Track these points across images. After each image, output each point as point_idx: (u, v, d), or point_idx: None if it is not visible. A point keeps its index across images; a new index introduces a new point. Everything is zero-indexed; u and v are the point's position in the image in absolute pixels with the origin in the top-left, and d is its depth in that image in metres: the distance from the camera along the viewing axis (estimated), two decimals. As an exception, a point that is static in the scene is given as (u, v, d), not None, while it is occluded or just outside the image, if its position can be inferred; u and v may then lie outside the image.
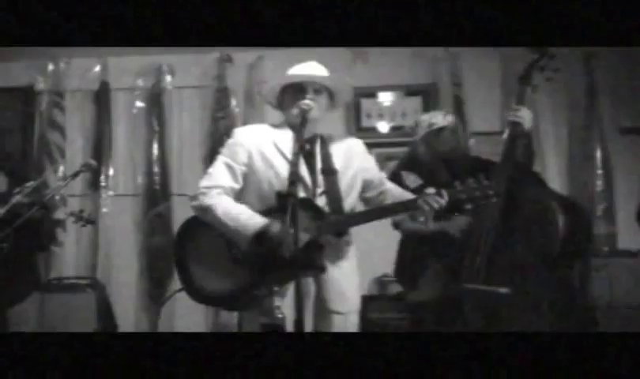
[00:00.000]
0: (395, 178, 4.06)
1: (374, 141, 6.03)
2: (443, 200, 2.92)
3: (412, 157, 4.16)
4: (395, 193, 3.31)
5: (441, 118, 4.07)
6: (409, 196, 3.20)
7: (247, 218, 3.00)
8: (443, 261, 3.98)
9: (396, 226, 4.10)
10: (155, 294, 6.01)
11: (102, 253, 6.08)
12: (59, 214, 4.07)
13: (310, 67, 3.20)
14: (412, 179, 3.91)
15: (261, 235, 2.93)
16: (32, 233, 4.11)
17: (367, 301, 5.52)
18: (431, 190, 2.97)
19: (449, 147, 4.02)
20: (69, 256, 6.07)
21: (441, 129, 4.02)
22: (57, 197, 4.08)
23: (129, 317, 5.95)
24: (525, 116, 3.68)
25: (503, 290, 3.55)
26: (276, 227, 2.89)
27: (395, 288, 5.80)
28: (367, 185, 3.28)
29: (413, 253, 4.18)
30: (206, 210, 3.06)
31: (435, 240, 3.98)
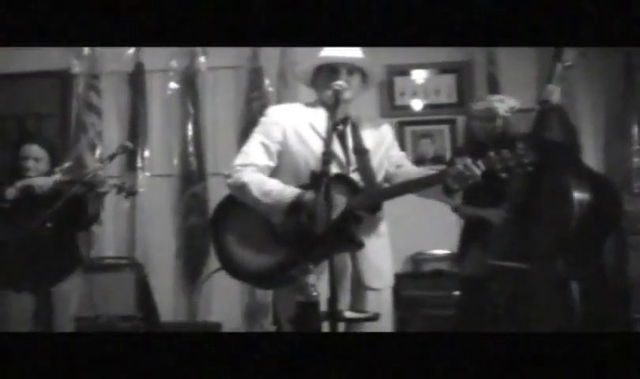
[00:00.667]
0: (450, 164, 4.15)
1: (408, 119, 6.07)
2: (479, 170, 2.90)
3: (464, 144, 4.22)
4: (413, 168, 3.35)
5: (496, 106, 4.16)
6: (430, 172, 3.18)
7: (281, 190, 3.02)
8: (480, 240, 4.03)
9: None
10: (192, 273, 6.10)
11: (139, 233, 6.18)
12: (102, 188, 4.10)
13: (342, 48, 3.18)
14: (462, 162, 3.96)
15: (295, 205, 2.95)
16: (76, 210, 4.16)
17: (401, 278, 5.56)
18: (467, 160, 2.95)
19: (495, 134, 4.13)
20: (107, 236, 6.17)
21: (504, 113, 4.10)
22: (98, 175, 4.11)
23: (167, 297, 6.04)
24: (554, 92, 3.66)
25: (525, 266, 3.58)
26: (309, 195, 2.90)
27: (429, 266, 5.84)
28: (388, 162, 3.30)
29: (464, 231, 4.33)
30: (241, 187, 3.09)
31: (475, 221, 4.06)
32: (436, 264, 5.82)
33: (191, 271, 6.11)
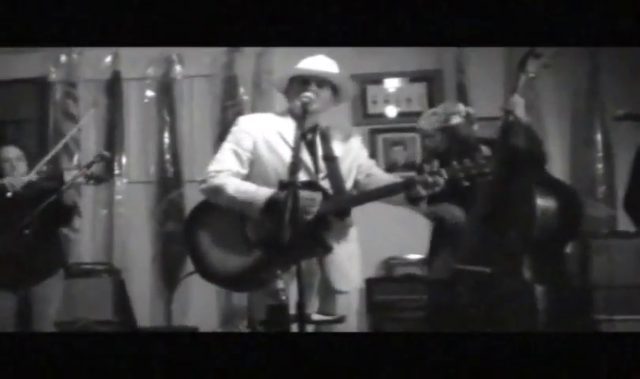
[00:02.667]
0: (419, 170, 4.25)
1: (380, 127, 6.18)
2: (442, 179, 3.03)
3: (430, 151, 4.29)
4: (383, 176, 3.45)
5: (457, 110, 4.22)
6: (396, 180, 3.31)
7: (256, 189, 3.14)
8: (448, 244, 4.12)
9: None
10: (169, 278, 6.17)
11: (117, 240, 6.24)
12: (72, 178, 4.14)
13: (318, 61, 3.31)
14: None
15: (272, 202, 3.06)
16: (54, 207, 4.19)
17: (373, 283, 5.67)
18: (434, 165, 3.09)
19: (462, 138, 4.16)
20: (84, 242, 6.22)
21: (454, 122, 4.18)
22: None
23: (144, 303, 6.11)
24: (517, 103, 3.76)
25: (489, 269, 3.67)
26: (284, 195, 2.93)
27: (401, 270, 5.94)
28: (358, 170, 3.40)
29: (433, 235, 4.36)
30: (216, 190, 3.20)
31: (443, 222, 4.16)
32: (408, 268, 5.87)
33: (168, 276, 6.18)
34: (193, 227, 3.36)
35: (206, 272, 3.31)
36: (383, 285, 5.74)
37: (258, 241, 3.15)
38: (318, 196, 3.11)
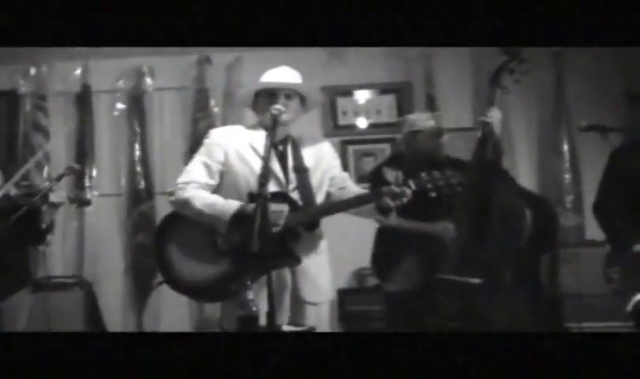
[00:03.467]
0: (377, 173, 4.26)
1: (351, 138, 6.23)
2: (409, 190, 3.07)
3: (394, 154, 4.33)
4: (355, 189, 3.47)
5: (423, 120, 4.26)
6: (364, 191, 3.38)
7: (224, 203, 3.17)
8: (418, 254, 4.14)
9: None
10: (140, 290, 6.14)
11: (88, 253, 6.20)
12: (55, 199, 4.12)
13: (281, 73, 3.36)
14: (393, 175, 4.06)
15: (240, 215, 3.09)
16: (29, 224, 4.16)
17: (345, 294, 5.70)
18: (398, 174, 3.14)
19: (428, 148, 4.20)
20: (55, 255, 6.17)
21: (421, 131, 4.21)
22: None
23: (115, 315, 6.08)
24: (495, 116, 3.82)
25: (475, 280, 3.70)
26: (252, 207, 3.00)
27: (373, 281, 5.96)
28: (330, 182, 3.43)
29: (388, 246, 4.32)
30: (184, 203, 3.22)
31: (411, 234, 4.17)
32: (379, 279, 5.91)
33: (140, 288, 6.15)
34: (163, 237, 3.38)
35: (175, 282, 3.32)
36: (355, 296, 5.76)
37: (228, 251, 3.17)
38: (285, 207, 3.14)
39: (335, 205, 3.34)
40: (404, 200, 3.09)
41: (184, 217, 3.28)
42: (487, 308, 3.74)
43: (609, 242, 3.74)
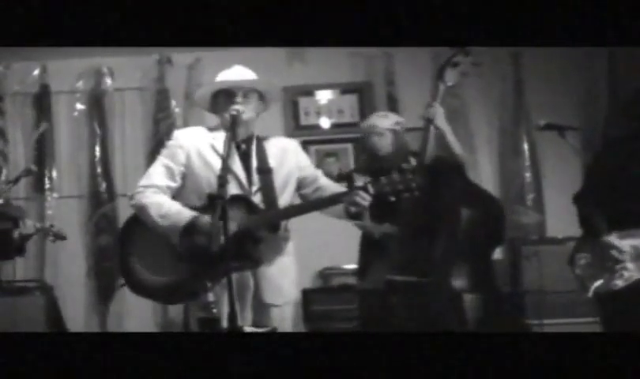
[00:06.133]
0: (348, 178, 4.30)
1: (313, 139, 6.24)
2: (368, 195, 3.08)
3: (360, 158, 4.36)
4: (330, 188, 3.42)
5: (380, 122, 4.28)
6: (326, 196, 3.35)
7: (177, 212, 3.15)
8: (380, 255, 4.17)
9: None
10: (103, 294, 6.08)
11: (48, 255, 6.11)
12: (27, 228, 4.08)
13: (236, 72, 3.34)
14: (362, 179, 4.07)
15: (190, 227, 3.09)
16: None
17: (309, 294, 5.69)
18: (358, 184, 3.15)
19: (387, 149, 4.22)
20: (15, 259, 6.08)
21: (376, 133, 4.24)
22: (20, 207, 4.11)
23: (78, 318, 6.00)
24: (435, 112, 3.87)
25: (423, 279, 3.75)
26: (203, 219, 3.04)
27: (338, 281, 5.97)
28: (301, 183, 3.41)
29: (362, 246, 4.43)
30: (141, 209, 3.22)
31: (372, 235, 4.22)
32: (344, 278, 5.86)
33: (102, 291, 6.09)
34: (125, 240, 3.37)
35: (137, 285, 3.30)
36: (319, 295, 5.75)
37: (186, 254, 3.14)
38: (242, 210, 3.13)
39: (297, 208, 3.33)
40: (364, 204, 3.10)
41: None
42: (436, 308, 3.78)
43: (582, 231, 3.78)
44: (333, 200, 3.20)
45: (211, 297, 2.67)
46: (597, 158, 3.95)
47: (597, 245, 3.56)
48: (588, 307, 4.01)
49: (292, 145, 3.48)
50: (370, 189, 3.07)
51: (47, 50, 5.40)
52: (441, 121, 3.89)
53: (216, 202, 2.77)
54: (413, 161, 3.98)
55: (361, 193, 3.07)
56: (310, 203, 3.33)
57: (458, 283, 3.84)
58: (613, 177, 3.63)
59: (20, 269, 6.02)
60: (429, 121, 3.87)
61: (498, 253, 4.68)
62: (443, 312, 3.80)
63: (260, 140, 3.36)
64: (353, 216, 3.25)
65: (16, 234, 4.08)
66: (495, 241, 4.20)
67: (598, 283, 3.53)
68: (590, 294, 3.57)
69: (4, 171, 6.03)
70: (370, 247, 4.30)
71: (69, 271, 6.13)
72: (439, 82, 3.90)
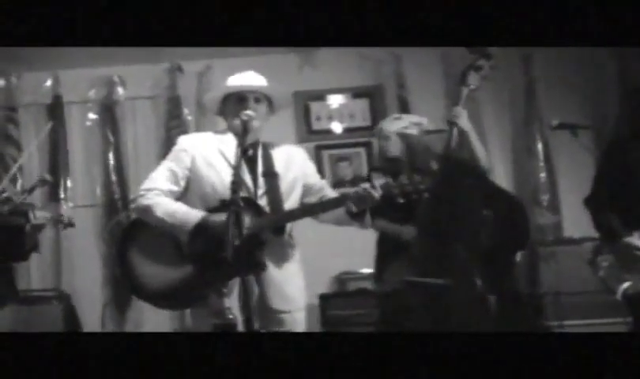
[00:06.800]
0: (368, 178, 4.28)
1: (325, 143, 6.23)
2: (376, 195, 3.06)
3: (383, 149, 4.34)
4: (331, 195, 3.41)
5: (387, 126, 4.30)
6: (331, 197, 3.34)
7: (186, 212, 3.14)
8: (397, 257, 4.15)
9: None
10: (120, 301, 6.10)
11: (65, 265, 6.14)
12: (38, 218, 4.09)
13: (247, 77, 3.33)
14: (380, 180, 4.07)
15: (202, 226, 3.06)
16: (13, 241, 4.12)
17: (326, 299, 5.67)
18: (365, 185, 3.13)
19: (394, 153, 4.23)
20: (32, 268, 6.08)
21: (382, 137, 4.26)
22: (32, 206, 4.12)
23: (95, 326, 6.01)
24: (459, 115, 3.83)
25: (444, 281, 3.69)
26: (217, 220, 3.00)
27: (354, 285, 5.95)
28: (307, 191, 3.38)
29: (379, 247, 4.41)
30: (145, 210, 3.19)
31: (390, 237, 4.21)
32: (361, 282, 5.84)
33: (119, 299, 6.10)
34: (125, 245, 3.32)
35: (139, 290, 3.28)
36: (336, 300, 5.72)
37: (192, 258, 3.12)
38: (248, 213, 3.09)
39: (301, 211, 3.30)
40: (370, 204, 3.09)
41: (146, 224, 3.24)
42: (458, 309, 3.75)
43: (600, 234, 3.75)
44: (339, 201, 3.19)
45: (227, 302, 2.65)
46: (608, 158, 3.91)
47: (618, 247, 3.53)
48: (609, 308, 3.99)
49: (299, 153, 3.47)
50: (379, 190, 3.06)
51: (59, 59, 5.43)
52: (465, 123, 3.86)
53: (229, 208, 2.74)
54: (434, 164, 3.97)
55: (366, 187, 3.07)
56: (315, 205, 3.31)
57: (481, 285, 3.81)
58: (625, 177, 3.60)
59: (36, 278, 6.06)
60: (453, 123, 3.84)
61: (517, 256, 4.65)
62: (467, 313, 3.77)
63: (266, 146, 3.35)
64: (354, 217, 3.21)
65: (28, 227, 4.07)
66: (520, 243, 4.18)
67: (626, 284, 3.50)
68: (619, 296, 3.54)
69: (19, 181, 6.05)
70: (387, 249, 4.28)
71: (85, 279, 6.14)
72: (462, 86, 3.87)
